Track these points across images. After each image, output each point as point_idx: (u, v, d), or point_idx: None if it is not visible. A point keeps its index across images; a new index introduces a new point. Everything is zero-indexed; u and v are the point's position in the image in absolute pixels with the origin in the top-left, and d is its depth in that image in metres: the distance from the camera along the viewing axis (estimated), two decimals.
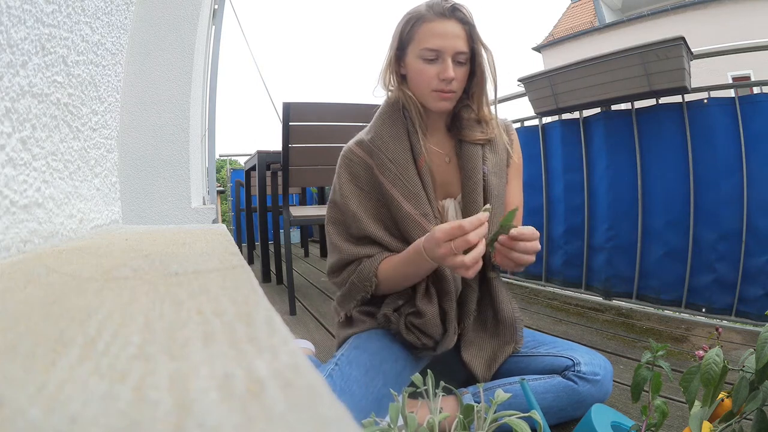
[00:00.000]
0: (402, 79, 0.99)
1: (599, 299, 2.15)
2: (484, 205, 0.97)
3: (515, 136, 1.07)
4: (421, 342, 0.94)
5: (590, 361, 0.94)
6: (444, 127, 1.03)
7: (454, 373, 0.99)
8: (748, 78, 8.04)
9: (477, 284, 0.99)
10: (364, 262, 0.97)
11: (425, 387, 0.72)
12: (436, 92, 0.93)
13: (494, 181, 0.99)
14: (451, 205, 1.00)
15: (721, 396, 0.68)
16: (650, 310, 1.98)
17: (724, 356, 0.62)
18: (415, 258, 0.87)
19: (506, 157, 1.04)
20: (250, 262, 3.33)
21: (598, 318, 1.83)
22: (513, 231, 0.84)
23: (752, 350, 0.62)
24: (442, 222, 0.98)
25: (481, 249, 0.79)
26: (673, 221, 1.91)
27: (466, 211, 0.97)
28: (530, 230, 0.85)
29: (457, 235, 0.78)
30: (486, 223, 0.79)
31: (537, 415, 0.70)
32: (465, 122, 1.00)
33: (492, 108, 1.02)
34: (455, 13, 0.91)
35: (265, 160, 2.38)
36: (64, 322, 0.15)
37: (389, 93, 1.02)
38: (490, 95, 0.99)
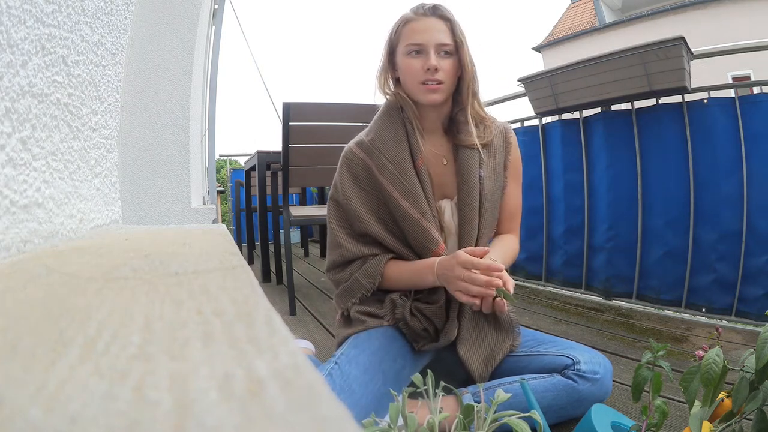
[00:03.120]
0: (397, 82, 1.04)
1: (599, 299, 2.15)
2: (479, 208, 1.01)
3: (514, 140, 1.09)
4: (422, 326, 0.96)
5: (590, 359, 0.94)
6: (441, 129, 1.05)
7: (454, 373, 0.99)
8: (748, 78, 8.03)
9: None
10: (369, 260, 1.01)
11: (425, 387, 0.72)
12: (424, 85, 0.96)
13: (489, 185, 1.02)
14: (447, 206, 1.02)
15: (721, 396, 0.68)
16: (650, 310, 1.98)
17: (724, 356, 0.62)
18: (423, 270, 0.94)
19: (503, 161, 1.06)
20: (250, 262, 3.33)
21: (598, 318, 1.83)
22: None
23: (752, 350, 0.61)
24: (439, 220, 1.01)
25: (489, 292, 0.85)
26: (673, 221, 1.91)
27: (462, 214, 1.01)
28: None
29: (477, 267, 0.85)
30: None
31: (537, 415, 0.70)
32: (461, 126, 1.02)
33: (485, 108, 1.05)
34: (435, 12, 0.98)
35: (265, 160, 2.38)
36: (64, 322, 0.15)
37: (387, 97, 1.05)
38: (480, 95, 1.02)
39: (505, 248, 1.04)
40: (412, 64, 0.96)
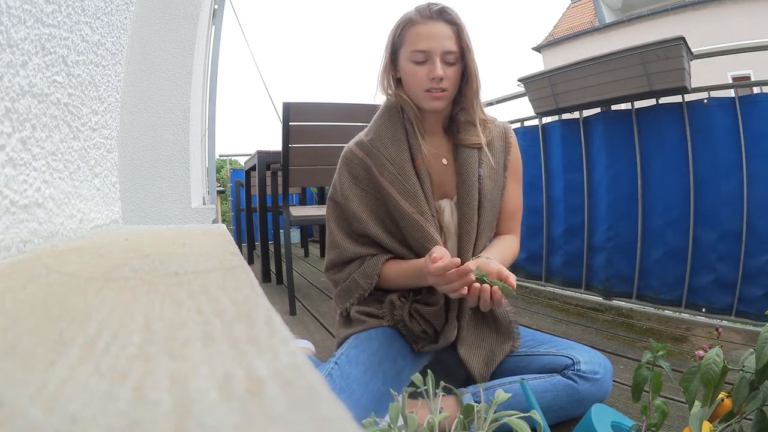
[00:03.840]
0: (398, 82, 1.02)
1: (599, 299, 2.15)
2: (479, 207, 1.00)
3: (514, 140, 1.09)
4: (421, 328, 0.96)
5: (590, 359, 0.94)
6: (441, 128, 1.04)
7: (454, 374, 0.99)
8: (748, 78, 8.03)
9: None
10: (367, 260, 1.00)
11: (425, 387, 0.72)
12: (428, 93, 0.95)
13: (488, 184, 1.01)
14: (447, 206, 1.02)
15: (721, 396, 0.68)
16: (650, 310, 1.98)
17: (724, 356, 0.62)
18: (419, 274, 0.93)
19: (503, 161, 1.06)
20: (250, 262, 3.33)
21: (598, 318, 1.83)
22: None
23: (752, 350, 0.62)
24: (438, 220, 1.00)
25: (469, 279, 0.83)
26: (673, 221, 1.91)
27: (461, 213, 1.00)
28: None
29: (448, 271, 0.83)
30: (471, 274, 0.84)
31: (537, 415, 0.70)
32: (462, 126, 1.01)
33: (485, 110, 1.04)
34: (443, 15, 0.94)
35: (265, 160, 2.38)
36: (64, 322, 0.15)
37: (388, 97, 1.04)
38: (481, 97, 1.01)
39: (503, 248, 1.04)
40: (416, 71, 0.94)
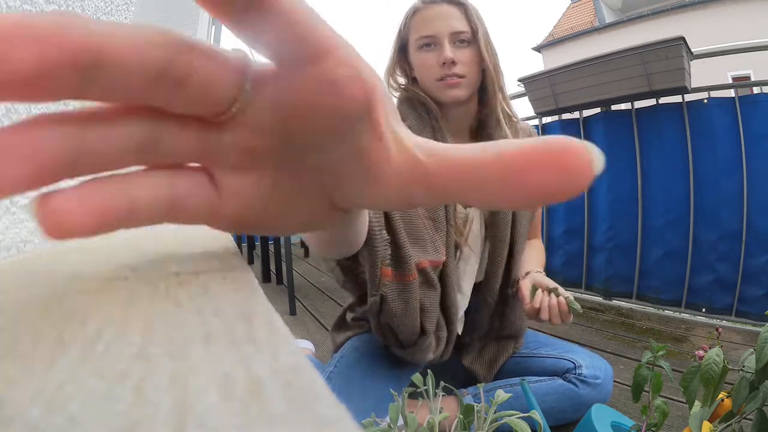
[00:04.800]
0: (414, 81, 0.93)
1: (599, 299, 2.15)
2: (513, 220, 0.92)
3: None
4: (396, 342, 0.86)
5: (591, 364, 0.94)
6: (468, 130, 0.94)
7: (455, 374, 0.99)
8: (748, 78, 8.03)
9: (494, 300, 0.95)
10: None
11: (425, 387, 0.72)
12: (442, 81, 0.85)
13: None
14: (476, 216, 0.92)
15: (721, 396, 0.68)
16: (650, 310, 1.98)
17: (724, 356, 0.62)
18: None
19: None
20: (250, 262, 3.33)
21: (598, 318, 1.83)
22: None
23: (752, 350, 0.61)
24: (462, 232, 0.91)
25: None
26: (673, 221, 1.91)
27: (493, 227, 0.91)
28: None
29: None
30: None
31: (537, 415, 0.70)
32: (493, 130, 0.90)
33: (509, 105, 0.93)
34: None
35: None
36: (64, 322, 0.15)
37: (395, 92, 0.95)
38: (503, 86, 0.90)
39: (539, 254, 1.00)
40: (425, 59, 0.86)
